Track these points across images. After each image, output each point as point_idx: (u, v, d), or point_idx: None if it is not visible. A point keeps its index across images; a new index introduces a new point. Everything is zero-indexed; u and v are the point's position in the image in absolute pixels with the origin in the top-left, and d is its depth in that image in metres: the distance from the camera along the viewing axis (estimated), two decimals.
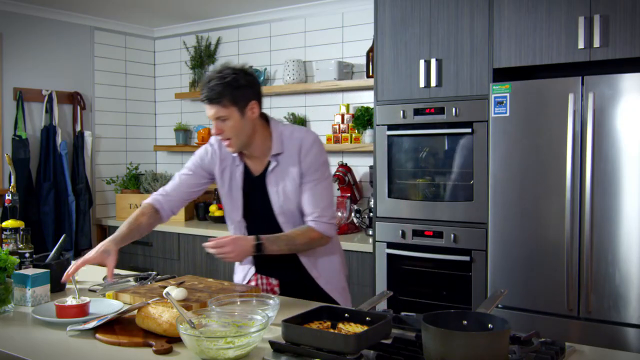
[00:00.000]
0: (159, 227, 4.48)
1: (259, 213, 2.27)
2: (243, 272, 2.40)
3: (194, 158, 2.38)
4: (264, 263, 2.31)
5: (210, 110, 2.12)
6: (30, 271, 2.09)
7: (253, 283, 2.36)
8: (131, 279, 2.39)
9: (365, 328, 1.56)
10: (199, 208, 4.70)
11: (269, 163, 2.23)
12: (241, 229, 2.32)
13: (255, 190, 2.26)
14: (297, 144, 2.20)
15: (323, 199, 2.21)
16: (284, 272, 2.31)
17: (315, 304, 1.92)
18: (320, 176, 2.21)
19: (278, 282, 2.33)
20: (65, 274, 2.07)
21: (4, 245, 2.32)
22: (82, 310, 1.88)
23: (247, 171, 2.28)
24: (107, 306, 1.94)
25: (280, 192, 2.21)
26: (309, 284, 2.28)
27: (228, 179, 2.31)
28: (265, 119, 2.26)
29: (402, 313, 1.84)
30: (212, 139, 2.35)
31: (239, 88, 2.10)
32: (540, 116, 2.90)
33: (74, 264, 2.09)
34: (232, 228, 2.37)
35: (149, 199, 2.35)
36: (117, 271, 2.59)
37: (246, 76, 2.14)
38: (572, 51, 2.87)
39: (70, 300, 1.90)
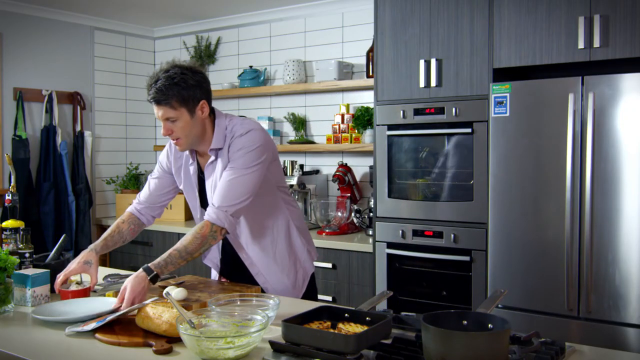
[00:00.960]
0: (159, 227, 4.49)
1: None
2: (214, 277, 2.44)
3: (158, 162, 2.40)
4: (226, 269, 2.38)
5: (158, 111, 2.06)
6: (30, 271, 2.09)
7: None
8: None
9: (365, 328, 1.56)
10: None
11: (210, 158, 2.18)
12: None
13: (203, 186, 2.26)
14: (230, 136, 2.12)
15: (231, 192, 2.04)
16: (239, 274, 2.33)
17: (315, 304, 1.92)
18: (239, 169, 2.06)
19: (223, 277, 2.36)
20: (55, 286, 2.09)
21: (4, 245, 2.33)
22: (84, 292, 2.07)
23: (199, 168, 2.26)
24: (108, 305, 1.95)
25: (212, 185, 2.15)
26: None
27: (183, 177, 2.30)
28: (213, 113, 2.20)
29: (402, 313, 1.84)
30: (165, 148, 2.37)
31: (188, 88, 2.04)
32: (540, 116, 2.90)
33: (58, 277, 2.10)
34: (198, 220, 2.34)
35: (129, 208, 2.42)
36: (117, 271, 2.60)
37: (195, 75, 2.07)
38: (572, 51, 2.87)
39: (73, 286, 2.10)
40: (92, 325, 1.73)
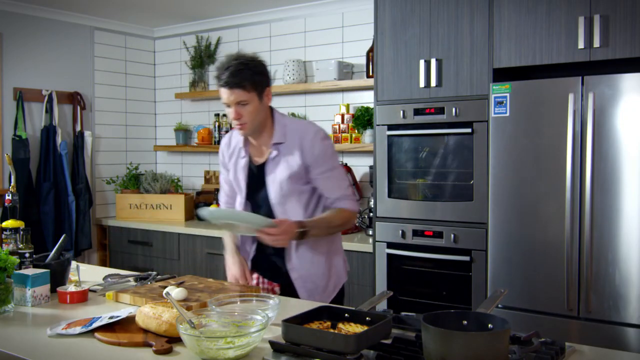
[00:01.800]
0: (159, 227, 4.49)
1: (259, 202, 2.33)
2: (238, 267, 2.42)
3: (220, 163, 2.51)
4: (258, 263, 2.40)
5: (230, 96, 2.14)
6: (30, 271, 2.09)
7: (254, 282, 2.37)
8: (131, 279, 2.39)
9: (365, 328, 1.56)
10: (199, 208, 4.70)
11: (270, 152, 2.27)
12: None
13: (256, 179, 2.32)
14: (299, 136, 2.24)
15: (342, 183, 2.30)
16: (274, 273, 2.37)
17: (315, 304, 1.92)
18: (331, 165, 2.27)
19: (279, 284, 2.36)
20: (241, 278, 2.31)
21: (4, 245, 2.32)
22: (82, 295, 2.10)
23: (250, 161, 2.34)
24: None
25: (276, 181, 2.25)
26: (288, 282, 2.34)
27: (234, 170, 2.38)
28: (270, 109, 2.32)
29: (402, 313, 1.84)
30: (225, 137, 2.46)
31: (258, 74, 2.17)
32: (540, 116, 2.90)
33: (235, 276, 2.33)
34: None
35: (224, 206, 2.52)
36: (117, 271, 2.60)
37: (260, 62, 2.21)
38: (572, 51, 2.87)
39: (72, 287, 2.10)
40: (77, 329, 1.72)
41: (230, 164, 2.41)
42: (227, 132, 4.74)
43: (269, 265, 2.37)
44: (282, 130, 2.26)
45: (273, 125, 2.28)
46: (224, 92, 2.16)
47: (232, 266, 2.38)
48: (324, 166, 2.25)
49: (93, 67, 4.96)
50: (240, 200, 2.39)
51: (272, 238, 2.09)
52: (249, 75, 2.13)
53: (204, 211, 2.10)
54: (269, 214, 2.27)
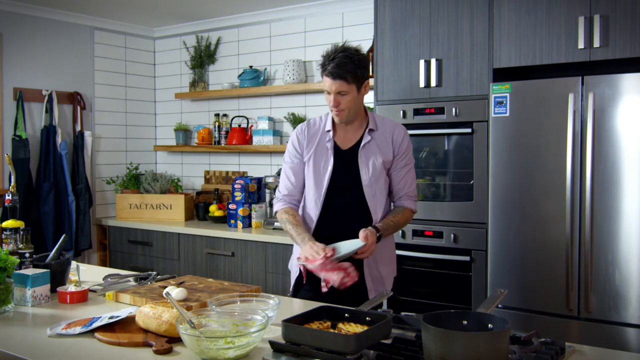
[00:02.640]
0: (159, 227, 4.49)
1: (341, 187, 2.38)
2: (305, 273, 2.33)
3: (289, 150, 2.50)
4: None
5: (332, 85, 2.28)
6: (30, 271, 2.09)
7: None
8: (131, 279, 2.39)
9: (365, 328, 1.56)
10: (199, 208, 4.70)
11: (361, 138, 2.39)
12: (316, 205, 2.40)
13: (343, 164, 2.39)
14: (391, 129, 2.42)
15: (414, 181, 2.47)
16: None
17: (315, 304, 1.92)
18: (411, 162, 2.46)
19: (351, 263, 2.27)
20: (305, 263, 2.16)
21: (4, 245, 2.32)
22: (82, 295, 2.11)
23: (336, 146, 2.42)
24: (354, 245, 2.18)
25: (370, 166, 2.36)
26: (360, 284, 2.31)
27: (315, 155, 2.42)
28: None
29: (402, 313, 1.84)
30: (300, 125, 2.50)
31: (361, 67, 2.29)
32: (540, 116, 2.90)
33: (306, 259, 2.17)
34: (311, 202, 2.43)
35: (285, 205, 2.45)
36: (117, 271, 2.60)
37: (365, 57, 2.33)
38: (572, 51, 2.87)
39: (72, 287, 2.11)
40: (77, 329, 1.73)
41: (308, 150, 2.44)
42: (227, 132, 4.75)
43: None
44: (374, 120, 2.42)
45: (366, 115, 2.43)
46: (327, 81, 2.30)
47: (313, 245, 2.18)
48: (405, 161, 2.42)
49: (93, 67, 4.96)
50: (320, 187, 2.38)
51: (368, 254, 2.19)
52: (352, 68, 2.25)
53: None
54: (357, 196, 2.36)
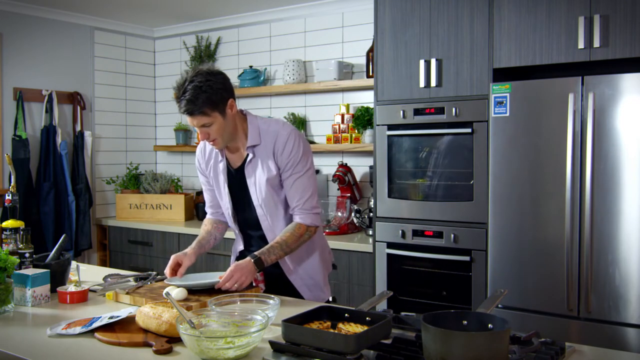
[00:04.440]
0: (159, 227, 4.49)
1: (242, 205, 2.35)
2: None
3: (197, 166, 2.50)
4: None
5: (193, 121, 2.15)
6: (30, 271, 2.09)
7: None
8: (131, 279, 2.39)
9: (365, 328, 1.56)
10: (199, 208, 4.70)
11: (247, 156, 2.28)
12: (232, 220, 2.42)
13: (236, 182, 2.33)
14: (273, 138, 2.24)
15: (305, 191, 2.26)
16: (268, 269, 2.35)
17: (315, 304, 1.92)
18: (301, 169, 2.25)
19: (262, 274, 2.35)
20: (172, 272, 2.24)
21: (4, 245, 2.32)
22: (82, 295, 2.11)
23: (229, 165, 2.35)
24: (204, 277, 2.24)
25: (257, 183, 2.27)
26: (284, 278, 2.36)
27: (214, 175, 2.39)
28: (242, 113, 2.33)
29: (402, 313, 1.84)
30: (200, 144, 2.46)
31: (215, 93, 2.13)
32: (540, 116, 2.90)
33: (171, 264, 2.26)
34: (230, 223, 2.48)
35: (210, 217, 2.54)
36: (117, 271, 2.60)
37: (217, 77, 2.17)
38: (572, 51, 2.87)
39: (72, 287, 2.11)
40: (77, 329, 1.73)
41: (208, 170, 2.42)
42: None
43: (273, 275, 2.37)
44: (256, 132, 2.26)
45: (247, 128, 2.28)
46: (188, 119, 2.16)
47: (179, 256, 2.30)
48: (290, 170, 2.25)
49: (93, 67, 4.96)
50: (225, 205, 2.39)
51: (232, 282, 2.09)
52: (205, 98, 2.11)
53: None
54: (254, 216, 2.32)
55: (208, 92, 2.11)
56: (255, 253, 2.18)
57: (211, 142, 2.23)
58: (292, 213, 2.28)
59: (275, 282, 2.36)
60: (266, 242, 2.30)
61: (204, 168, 2.44)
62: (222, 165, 2.35)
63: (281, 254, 2.22)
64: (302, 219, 2.25)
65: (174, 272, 2.24)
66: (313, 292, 2.38)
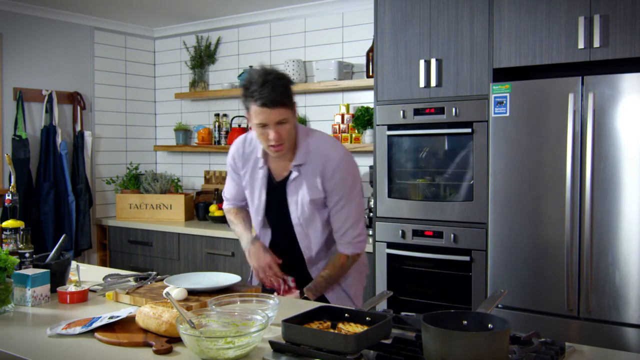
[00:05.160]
0: (159, 227, 4.49)
1: (278, 219, 2.26)
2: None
3: (229, 162, 2.37)
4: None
5: (270, 115, 1.98)
6: (30, 271, 2.09)
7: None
8: (131, 279, 2.39)
9: (365, 328, 1.56)
10: (199, 208, 4.70)
11: (290, 171, 2.17)
12: (264, 231, 2.33)
13: (275, 195, 2.23)
14: (322, 160, 2.12)
15: (348, 219, 2.17)
16: (295, 272, 2.30)
17: (315, 304, 1.92)
18: (348, 197, 2.14)
19: (294, 279, 2.30)
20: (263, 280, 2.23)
21: (4, 245, 2.32)
22: (82, 295, 2.10)
23: (269, 174, 2.23)
24: (230, 280, 2.17)
25: (298, 202, 2.16)
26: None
27: (250, 179, 2.28)
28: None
29: (402, 313, 1.84)
30: (238, 141, 2.31)
31: (291, 87, 2.05)
32: (540, 116, 2.90)
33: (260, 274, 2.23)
34: (256, 227, 2.37)
35: (229, 205, 2.47)
36: (117, 271, 2.60)
37: (287, 76, 2.08)
38: (572, 51, 2.87)
39: (72, 287, 2.11)
40: (77, 329, 1.72)
41: (244, 172, 2.29)
42: (227, 132, 4.75)
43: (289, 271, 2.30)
44: (304, 151, 2.14)
45: (296, 143, 2.14)
46: (262, 112, 1.97)
47: (263, 254, 2.22)
48: (337, 197, 2.14)
49: (93, 67, 4.96)
50: (257, 211, 2.28)
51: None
52: (287, 91, 2.00)
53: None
54: (288, 234, 2.24)
55: (287, 86, 2.01)
56: (303, 290, 2.17)
57: (278, 147, 2.05)
58: (335, 239, 2.22)
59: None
60: (295, 246, 2.24)
61: (239, 167, 2.31)
62: (262, 173, 2.22)
63: (327, 287, 2.22)
64: (344, 248, 2.20)
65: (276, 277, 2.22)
66: (343, 303, 2.29)
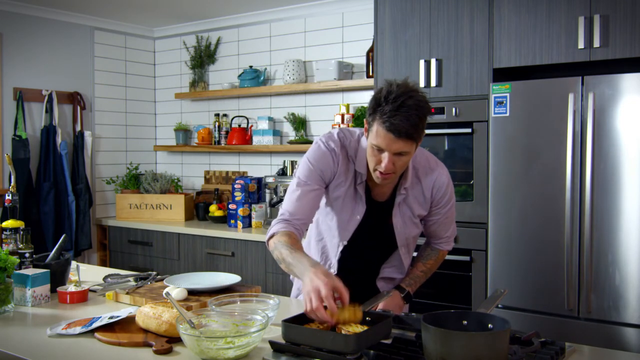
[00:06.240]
0: (159, 227, 4.49)
1: (373, 234, 2.04)
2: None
3: (314, 168, 1.95)
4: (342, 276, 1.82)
5: (392, 143, 1.73)
6: (30, 271, 2.09)
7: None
8: (131, 279, 2.39)
9: (365, 328, 1.56)
10: (199, 208, 4.70)
11: (394, 192, 1.99)
12: (334, 248, 2.06)
13: (376, 216, 2.01)
14: (431, 180, 2.00)
15: (454, 223, 2.17)
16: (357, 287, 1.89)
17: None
18: (451, 205, 2.09)
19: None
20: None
21: (4, 245, 2.32)
22: (82, 295, 2.10)
23: (368, 192, 2.00)
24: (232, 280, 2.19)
25: (406, 223, 2.04)
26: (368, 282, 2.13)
27: (342, 195, 1.98)
28: None
29: (402, 313, 1.84)
30: (332, 144, 1.98)
31: (426, 119, 1.77)
32: (540, 116, 2.90)
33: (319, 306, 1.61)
34: (318, 244, 2.10)
35: (282, 226, 1.90)
36: (117, 271, 2.60)
37: (428, 105, 1.78)
38: (572, 51, 2.87)
39: (72, 287, 2.11)
40: (77, 329, 1.73)
41: (338, 182, 1.97)
42: (227, 132, 4.75)
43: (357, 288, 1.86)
44: (415, 175, 1.99)
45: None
46: (386, 137, 1.73)
47: (324, 277, 1.61)
48: (444, 208, 2.06)
49: (93, 67, 4.96)
50: (340, 233, 2.02)
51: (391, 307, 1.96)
52: (423, 126, 1.75)
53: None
54: (387, 241, 2.05)
55: (423, 118, 1.74)
56: (402, 286, 2.06)
57: (385, 176, 1.83)
58: (438, 242, 2.16)
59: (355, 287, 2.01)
60: (366, 266, 2.10)
61: (329, 177, 1.96)
62: (361, 188, 1.96)
63: (424, 280, 2.15)
64: (447, 245, 2.17)
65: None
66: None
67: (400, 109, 1.70)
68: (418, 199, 2.02)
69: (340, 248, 2.04)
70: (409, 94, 1.72)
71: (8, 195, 2.48)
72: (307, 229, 2.03)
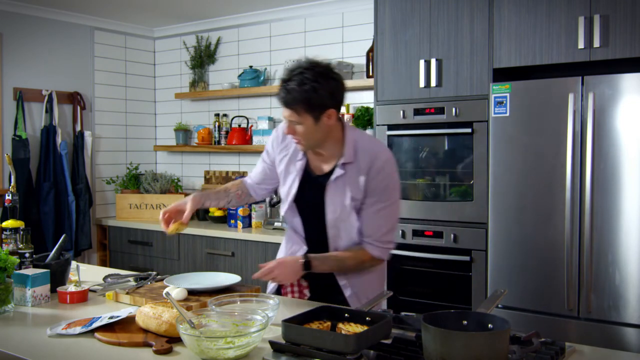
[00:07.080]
0: (159, 227, 4.47)
1: (309, 215, 2.16)
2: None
3: (266, 148, 2.29)
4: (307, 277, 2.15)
5: (284, 112, 1.98)
6: (30, 271, 2.09)
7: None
8: (131, 279, 2.39)
9: (365, 328, 1.56)
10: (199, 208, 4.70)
11: (333, 169, 2.07)
12: (294, 222, 2.21)
13: (311, 190, 2.12)
14: (370, 158, 2.04)
15: (386, 225, 2.09)
16: (316, 275, 2.13)
17: (315, 304, 1.92)
18: (387, 200, 2.06)
19: (308, 283, 2.19)
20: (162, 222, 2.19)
21: (4, 245, 2.32)
22: (82, 295, 2.10)
23: (307, 167, 2.14)
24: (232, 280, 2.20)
25: (337, 204, 2.07)
26: (337, 292, 2.15)
27: (285, 169, 2.19)
28: (340, 121, 2.09)
29: (402, 313, 1.84)
30: (282, 124, 2.18)
31: (318, 97, 1.92)
32: (540, 116, 2.90)
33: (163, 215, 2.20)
34: (286, 218, 2.27)
35: (242, 179, 2.40)
36: (117, 271, 2.60)
37: (327, 83, 1.94)
38: (572, 51, 2.87)
39: (72, 287, 2.11)
40: (77, 329, 1.73)
41: (280, 158, 2.20)
42: (227, 132, 4.75)
43: (321, 281, 2.15)
44: (352, 149, 2.04)
45: (343, 140, 2.05)
46: (281, 106, 2.00)
47: (182, 201, 2.19)
48: (376, 198, 2.04)
49: (93, 67, 4.96)
50: (283, 202, 2.19)
51: (269, 277, 2.00)
52: (303, 98, 1.91)
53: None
54: (320, 232, 2.13)
55: (309, 93, 1.90)
56: (309, 254, 2.05)
57: (295, 140, 2.04)
58: (363, 241, 2.09)
59: (323, 292, 2.16)
60: (326, 249, 2.13)
61: (275, 153, 2.23)
62: (299, 165, 2.14)
63: (334, 268, 2.09)
64: (373, 249, 2.08)
65: (167, 222, 2.18)
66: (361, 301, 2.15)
67: (287, 83, 1.94)
68: (355, 177, 2.05)
69: (290, 219, 2.22)
70: (300, 71, 1.93)
71: (8, 195, 2.48)
72: (264, 191, 2.36)
